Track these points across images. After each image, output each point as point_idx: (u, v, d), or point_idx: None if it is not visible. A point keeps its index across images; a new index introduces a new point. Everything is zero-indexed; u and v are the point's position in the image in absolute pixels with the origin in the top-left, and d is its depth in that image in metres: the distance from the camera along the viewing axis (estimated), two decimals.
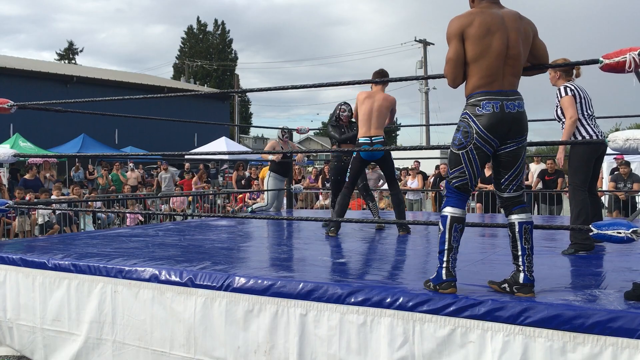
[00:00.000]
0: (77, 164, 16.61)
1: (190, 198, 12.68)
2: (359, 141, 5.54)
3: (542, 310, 2.63)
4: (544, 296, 2.82)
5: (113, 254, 4.21)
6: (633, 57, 2.73)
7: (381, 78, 5.12)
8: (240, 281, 3.36)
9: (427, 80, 29.23)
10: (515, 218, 2.91)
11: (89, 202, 10.24)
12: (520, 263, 2.88)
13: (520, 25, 2.85)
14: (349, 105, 6.25)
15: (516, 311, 2.67)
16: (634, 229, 2.74)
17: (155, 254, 4.24)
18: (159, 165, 18.30)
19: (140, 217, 10.45)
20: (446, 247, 2.89)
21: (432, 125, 8.68)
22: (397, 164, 19.36)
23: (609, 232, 2.77)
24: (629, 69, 2.77)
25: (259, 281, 3.31)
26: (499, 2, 2.97)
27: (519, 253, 2.89)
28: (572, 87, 4.37)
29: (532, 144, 3.38)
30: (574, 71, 4.55)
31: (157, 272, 3.62)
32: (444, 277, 2.86)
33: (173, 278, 3.55)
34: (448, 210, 2.91)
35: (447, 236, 2.89)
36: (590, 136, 4.32)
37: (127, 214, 10.41)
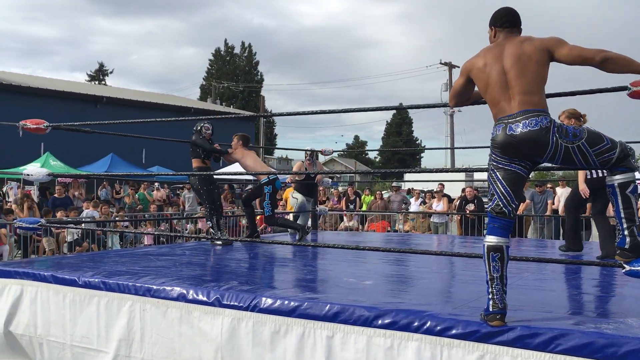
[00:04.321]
0: (103, 183, 16.88)
1: None
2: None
3: (574, 338, 2.59)
4: (576, 323, 2.78)
5: (141, 272, 4.26)
6: None
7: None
8: (266, 302, 3.37)
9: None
10: None
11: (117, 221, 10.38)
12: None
13: (520, 48, 2.88)
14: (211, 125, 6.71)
15: (546, 338, 2.63)
16: None
17: (183, 273, 4.28)
18: (184, 185, 18.49)
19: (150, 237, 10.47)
20: (488, 278, 2.84)
21: (457, 148, 8.67)
22: (422, 186, 19.26)
23: None
24: None
25: (286, 302, 3.32)
26: (514, 33, 3.02)
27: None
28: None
29: (558, 168, 3.36)
30: (582, 119, 5.13)
31: (184, 292, 3.66)
32: (490, 308, 2.80)
33: (200, 297, 3.59)
34: (485, 240, 2.89)
35: (486, 266, 2.85)
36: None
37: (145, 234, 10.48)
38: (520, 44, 2.90)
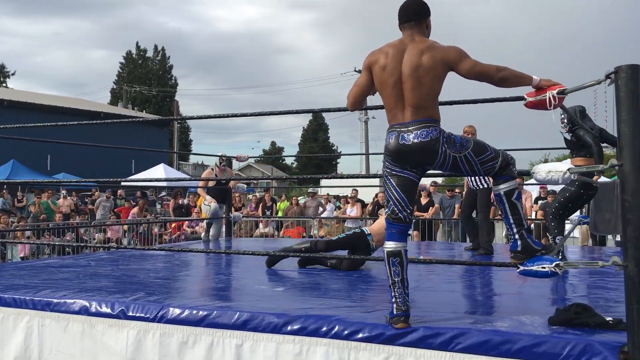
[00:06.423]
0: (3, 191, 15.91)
1: (125, 227, 12.34)
2: None
3: (472, 336, 2.71)
4: (474, 322, 2.91)
5: (41, 285, 4.05)
6: (552, 96, 2.88)
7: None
8: (174, 312, 3.30)
9: (367, 109, 29.82)
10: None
11: (17, 232, 9.81)
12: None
13: (419, 59, 2.89)
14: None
15: (447, 338, 2.74)
16: (556, 262, 2.86)
17: (86, 285, 4.10)
18: (93, 192, 17.74)
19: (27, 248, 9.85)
20: (390, 282, 2.92)
21: (371, 154, 8.90)
22: (337, 192, 19.49)
23: (534, 268, 2.86)
24: (550, 107, 2.91)
25: (194, 312, 3.26)
26: (415, 28, 3.01)
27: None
28: None
29: (447, 175, 3.51)
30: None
31: (87, 304, 3.51)
32: (394, 311, 2.87)
33: (104, 310, 3.45)
34: (384, 245, 2.96)
35: (387, 271, 2.93)
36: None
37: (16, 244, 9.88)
38: (420, 55, 2.90)
